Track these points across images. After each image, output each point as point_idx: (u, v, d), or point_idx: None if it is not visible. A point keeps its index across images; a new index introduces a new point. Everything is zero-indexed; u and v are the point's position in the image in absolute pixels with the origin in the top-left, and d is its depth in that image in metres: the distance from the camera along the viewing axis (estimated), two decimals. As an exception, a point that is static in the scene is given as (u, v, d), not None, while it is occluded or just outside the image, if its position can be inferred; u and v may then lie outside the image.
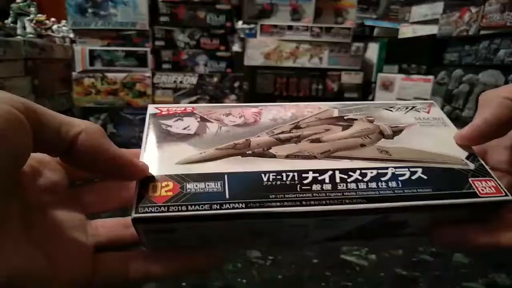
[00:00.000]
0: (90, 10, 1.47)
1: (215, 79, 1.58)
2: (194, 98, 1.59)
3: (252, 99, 1.65)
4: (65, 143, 0.17)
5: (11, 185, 0.16)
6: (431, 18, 1.39)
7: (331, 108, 0.27)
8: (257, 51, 1.59)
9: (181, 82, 1.56)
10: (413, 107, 0.27)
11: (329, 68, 1.63)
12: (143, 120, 0.24)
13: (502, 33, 1.03)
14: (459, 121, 1.12)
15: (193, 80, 1.57)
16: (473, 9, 1.13)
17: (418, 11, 1.48)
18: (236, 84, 1.60)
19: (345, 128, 0.24)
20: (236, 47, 1.59)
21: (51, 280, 0.17)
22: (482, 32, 1.09)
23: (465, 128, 0.23)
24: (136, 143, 1.52)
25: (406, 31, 1.55)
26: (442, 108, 1.32)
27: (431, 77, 1.30)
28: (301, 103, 0.27)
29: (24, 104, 0.15)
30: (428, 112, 0.26)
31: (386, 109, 0.27)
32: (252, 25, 1.60)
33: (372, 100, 1.67)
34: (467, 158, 0.22)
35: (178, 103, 1.59)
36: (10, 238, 0.16)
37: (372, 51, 1.71)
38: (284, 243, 0.22)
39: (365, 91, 1.70)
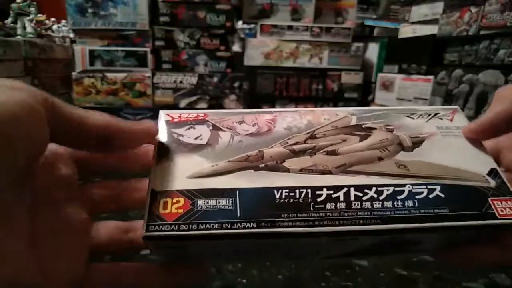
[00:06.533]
0: (90, 10, 1.47)
1: (215, 79, 1.58)
2: (194, 98, 1.59)
3: (252, 99, 1.65)
4: (80, 136, 0.18)
5: (24, 175, 0.16)
6: (431, 18, 1.39)
7: (349, 115, 0.25)
8: (257, 51, 1.59)
9: (181, 82, 1.56)
10: (436, 113, 0.26)
11: (329, 68, 1.63)
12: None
13: (502, 33, 1.03)
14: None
15: (193, 80, 1.57)
16: (473, 9, 1.12)
17: (418, 11, 1.48)
18: (236, 84, 1.60)
19: (362, 138, 0.24)
20: (236, 47, 1.59)
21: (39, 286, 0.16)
22: (482, 32, 1.09)
23: (474, 121, 0.23)
24: (136, 143, 1.51)
25: (406, 31, 1.55)
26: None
27: (431, 77, 1.30)
28: (317, 108, 0.26)
29: (42, 95, 0.16)
30: (451, 120, 0.25)
31: (407, 116, 0.25)
32: (252, 25, 1.60)
33: (372, 100, 1.67)
34: (488, 174, 0.21)
35: (178, 103, 1.59)
36: (13, 237, 0.15)
37: (372, 51, 1.71)
38: (295, 258, 0.22)
39: (365, 91, 1.70)
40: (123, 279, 0.19)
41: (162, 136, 0.23)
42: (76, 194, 0.20)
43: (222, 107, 1.62)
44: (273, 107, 1.68)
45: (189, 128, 0.24)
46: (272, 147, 0.22)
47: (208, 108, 1.61)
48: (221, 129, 0.24)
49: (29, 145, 0.15)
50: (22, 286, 0.15)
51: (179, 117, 0.24)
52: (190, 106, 1.60)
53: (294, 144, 0.23)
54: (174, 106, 1.58)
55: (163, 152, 0.22)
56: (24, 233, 0.16)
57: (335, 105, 1.69)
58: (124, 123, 0.20)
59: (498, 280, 0.69)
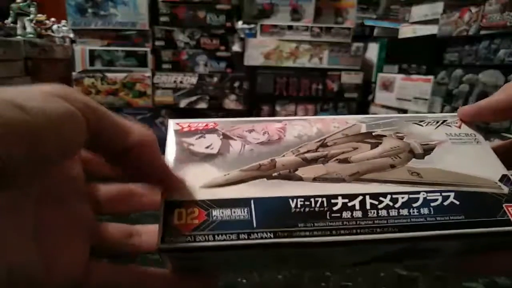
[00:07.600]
0: (90, 10, 1.48)
1: (215, 79, 1.58)
2: (194, 98, 1.59)
3: (252, 99, 1.65)
4: (117, 151, 0.17)
5: (39, 175, 0.16)
6: (431, 18, 1.39)
7: (358, 122, 0.26)
8: (257, 51, 1.59)
9: (181, 82, 1.56)
10: (444, 121, 0.26)
11: (329, 68, 1.63)
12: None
13: (502, 33, 1.03)
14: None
15: (193, 80, 1.57)
16: (473, 9, 1.13)
17: (418, 11, 1.48)
18: (236, 84, 1.60)
19: (374, 146, 0.24)
20: (236, 47, 1.59)
21: (40, 282, 0.16)
22: (482, 32, 1.09)
23: (470, 104, 0.24)
24: (136, 143, 1.51)
25: (406, 31, 1.55)
26: (442, 108, 1.31)
27: (431, 77, 1.30)
28: (327, 116, 0.26)
29: (88, 104, 0.16)
30: (459, 127, 0.25)
31: (416, 123, 0.26)
32: (252, 25, 1.60)
33: (373, 100, 1.67)
34: (500, 180, 0.21)
35: (178, 103, 1.59)
36: (16, 229, 0.15)
37: (372, 51, 1.71)
38: (310, 267, 0.22)
39: (365, 91, 1.70)
40: (124, 280, 0.19)
41: (172, 145, 0.23)
42: (83, 192, 0.20)
43: (222, 107, 1.62)
44: (273, 107, 1.68)
45: (199, 137, 0.23)
46: (284, 156, 0.22)
47: (208, 108, 1.61)
48: (231, 138, 0.23)
49: (62, 154, 0.15)
50: (22, 278, 0.15)
51: (189, 126, 0.24)
52: (190, 106, 1.60)
53: (306, 152, 0.23)
54: (174, 106, 1.58)
55: (175, 161, 0.22)
56: (28, 226, 0.16)
57: (335, 105, 1.69)
58: (161, 161, 0.19)
59: (498, 280, 0.69)
